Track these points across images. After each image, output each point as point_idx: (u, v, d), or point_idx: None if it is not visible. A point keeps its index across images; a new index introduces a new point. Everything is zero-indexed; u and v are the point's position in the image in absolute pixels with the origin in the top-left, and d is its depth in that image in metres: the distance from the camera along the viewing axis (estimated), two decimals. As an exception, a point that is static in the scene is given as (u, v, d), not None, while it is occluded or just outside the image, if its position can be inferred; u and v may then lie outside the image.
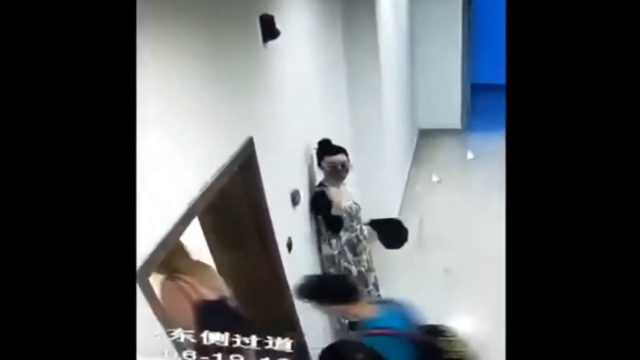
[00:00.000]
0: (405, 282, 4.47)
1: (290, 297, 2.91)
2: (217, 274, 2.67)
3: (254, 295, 2.87)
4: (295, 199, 3.00)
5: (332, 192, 3.30)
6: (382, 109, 4.60)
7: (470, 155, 5.86)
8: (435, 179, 5.89)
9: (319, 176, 3.45)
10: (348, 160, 3.36)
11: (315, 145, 3.34)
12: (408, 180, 6.29)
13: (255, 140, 2.39)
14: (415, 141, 7.34)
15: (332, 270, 3.47)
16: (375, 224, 3.62)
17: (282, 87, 2.81)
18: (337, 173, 3.30)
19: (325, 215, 3.31)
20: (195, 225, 2.46)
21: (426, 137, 7.51)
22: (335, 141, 3.53)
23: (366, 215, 3.68)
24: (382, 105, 4.57)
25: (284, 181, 2.87)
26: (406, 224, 3.73)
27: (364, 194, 4.61)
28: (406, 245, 3.72)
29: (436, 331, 1.90)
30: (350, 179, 3.54)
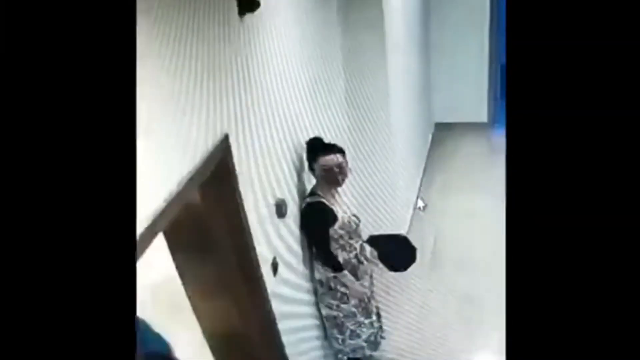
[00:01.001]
0: (415, 311, 4.55)
1: (277, 332, 2.98)
2: None
3: (232, 329, 2.93)
4: (281, 210, 3.07)
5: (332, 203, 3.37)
6: (389, 100, 4.65)
7: (420, 204, 5.99)
8: (420, 204, 5.99)
9: (309, 183, 3.53)
10: (345, 161, 3.44)
11: (304, 145, 3.41)
12: (420, 187, 6.37)
13: (232, 139, 2.45)
14: (429, 138, 7.42)
15: (328, 297, 3.55)
16: (375, 240, 3.68)
17: (263, 73, 2.87)
18: (333, 177, 3.37)
19: (322, 234, 3.38)
20: (160, 243, 2.52)
21: (444, 133, 7.57)
22: (330, 140, 3.61)
23: (367, 231, 3.75)
24: (388, 95, 4.62)
25: (267, 188, 2.94)
26: (418, 240, 3.79)
27: (365, 205, 4.68)
28: (417, 267, 3.79)
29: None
30: (347, 187, 3.60)
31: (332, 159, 3.34)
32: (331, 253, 3.40)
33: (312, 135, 3.50)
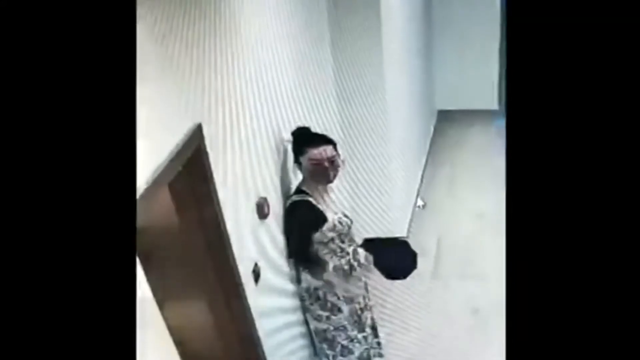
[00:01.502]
0: (416, 324, 4.57)
1: (260, 346, 3.00)
2: None
3: (208, 342, 2.94)
4: (262, 210, 3.09)
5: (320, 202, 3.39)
6: (385, 84, 4.67)
7: (420, 202, 6.04)
8: (420, 202, 6.04)
9: (294, 180, 3.55)
10: (338, 154, 3.44)
11: (289, 137, 3.43)
12: (421, 183, 6.40)
13: (206, 130, 2.46)
14: (432, 129, 7.45)
15: (316, 308, 3.58)
16: (370, 244, 3.70)
17: (242, 58, 2.89)
18: (323, 172, 3.37)
19: (307, 237, 3.40)
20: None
21: (448, 122, 7.59)
22: (318, 130, 3.62)
23: (361, 234, 3.77)
24: (384, 78, 4.64)
25: (246, 187, 2.96)
26: (419, 244, 3.80)
27: (358, 204, 4.70)
28: (418, 275, 3.80)
29: None
30: (338, 183, 3.61)
31: (322, 151, 3.34)
32: (310, 260, 3.45)
33: (297, 125, 3.51)
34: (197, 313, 2.93)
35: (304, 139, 3.41)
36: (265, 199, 3.11)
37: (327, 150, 3.36)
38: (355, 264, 3.60)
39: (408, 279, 3.78)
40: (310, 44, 3.96)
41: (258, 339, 3.00)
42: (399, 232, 5.20)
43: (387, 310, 4.57)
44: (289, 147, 3.43)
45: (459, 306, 4.73)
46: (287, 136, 3.43)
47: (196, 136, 2.41)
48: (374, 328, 3.85)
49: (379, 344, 3.91)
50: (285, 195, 3.45)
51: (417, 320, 4.63)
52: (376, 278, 3.84)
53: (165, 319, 2.94)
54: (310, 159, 3.35)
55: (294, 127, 3.48)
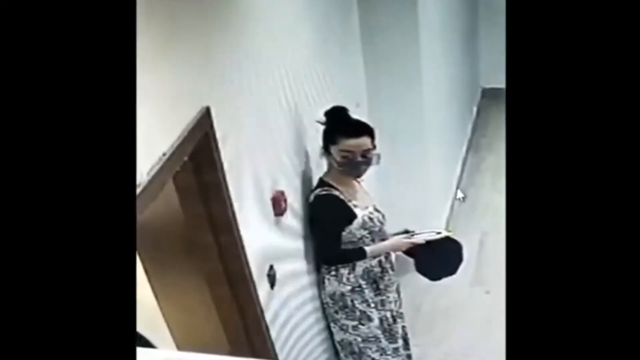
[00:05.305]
0: (455, 336, 4.59)
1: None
2: None
3: (216, 353, 2.96)
4: (279, 205, 3.09)
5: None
6: (420, 59, 4.65)
7: (460, 194, 6.01)
8: (460, 195, 6.04)
9: (315, 170, 3.56)
10: (373, 146, 3.37)
11: (321, 118, 3.37)
12: (462, 173, 6.40)
13: (215, 114, 2.47)
14: (475, 108, 7.42)
15: (342, 317, 3.58)
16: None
17: (256, 30, 2.91)
18: (355, 167, 3.35)
19: (330, 238, 3.42)
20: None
21: (494, 101, 7.53)
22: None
23: (392, 230, 3.77)
24: (419, 52, 4.62)
25: (260, 178, 2.97)
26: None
27: (391, 196, 4.69)
28: (459, 280, 3.77)
29: None
30: (368, 173, 3.60)
31: (357, 144, 3.29)
32: (336, 262, 3.47)
33: (317, 107, 3.49)
34: (205, 322, 2.95)
35: (338, 124, 3.34)
36: (282, 193, 3.11)
37: (363, 143, 3.30)
38: (388, 265, 3.63)
39: (445, 284, 3.77)
40: (334, 14, 3.96)
41: (274, 352, 3.02)
42: (436, 229, 5.20)
43: (419, 320, 4.57)
44: (309, 131, 3.43)
45: (502, 317, 4.68)
46: (319, 117, 3.38)
47: (204, 121, 2.42)
48: (405, 339, 3.86)
49: (409, 356, 3.92)
50: (307, 188, 3.46)
51: (454, 332, 4.65)
52: (406, 282, 3.84)
53: (169, 329, 2.97)
54: (342, 150, 3.28)
55: (315, 110, 3.46)
